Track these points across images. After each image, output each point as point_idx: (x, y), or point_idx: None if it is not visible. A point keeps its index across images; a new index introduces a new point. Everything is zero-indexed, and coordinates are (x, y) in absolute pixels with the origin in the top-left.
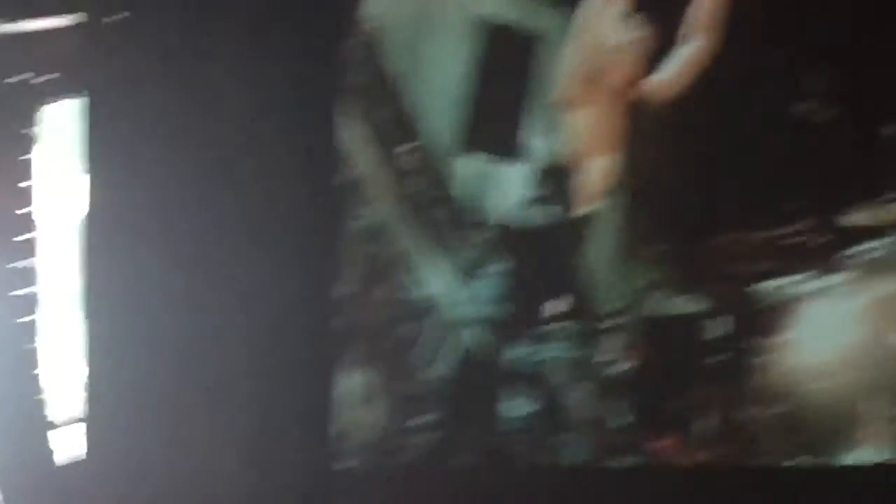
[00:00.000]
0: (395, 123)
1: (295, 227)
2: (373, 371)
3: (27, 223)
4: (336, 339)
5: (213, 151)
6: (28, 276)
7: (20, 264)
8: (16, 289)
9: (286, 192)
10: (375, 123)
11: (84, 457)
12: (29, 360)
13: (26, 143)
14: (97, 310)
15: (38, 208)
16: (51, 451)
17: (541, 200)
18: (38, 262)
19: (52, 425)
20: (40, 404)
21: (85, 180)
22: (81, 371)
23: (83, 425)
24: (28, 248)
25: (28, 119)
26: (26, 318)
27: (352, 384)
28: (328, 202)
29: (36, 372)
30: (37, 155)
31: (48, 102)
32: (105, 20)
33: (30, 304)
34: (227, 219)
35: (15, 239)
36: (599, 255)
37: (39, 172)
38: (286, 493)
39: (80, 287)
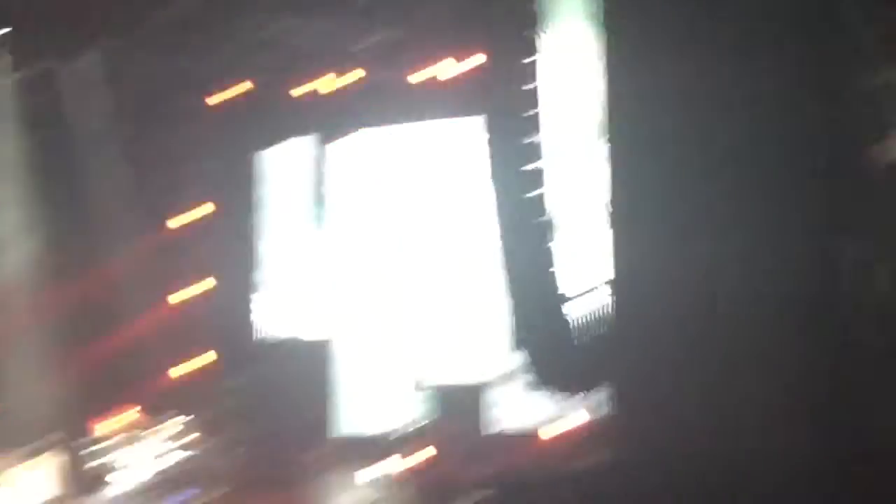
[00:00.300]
0: None
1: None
2: None
3: (534, 125)
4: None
5: (730, 74)
6: (538, 179)
7: (532, 167)
8: (530, 191)
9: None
10: None
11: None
12: (546, 259)
13: (531, 46)
14: (625, 221)
15: (544, 111)
16: (573, 335)
17: None
18: (546, 165)
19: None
20: (562, 300)
21: (604, 96)
22: (607, 274)
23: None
24: (535, 151)
25: (533, 23)
26: (541, 219)
27: None
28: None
29: (553, 271)
30: (544, 61)
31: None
32: None
33: (541, 205)
34: (744, 144)
35: (525, 142)
36: None
37: (547, 77)
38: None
39: (609, 193)
